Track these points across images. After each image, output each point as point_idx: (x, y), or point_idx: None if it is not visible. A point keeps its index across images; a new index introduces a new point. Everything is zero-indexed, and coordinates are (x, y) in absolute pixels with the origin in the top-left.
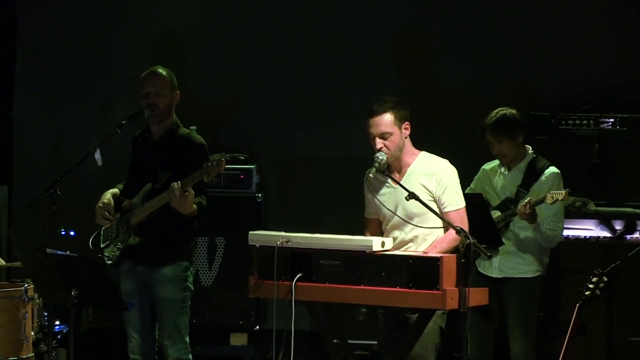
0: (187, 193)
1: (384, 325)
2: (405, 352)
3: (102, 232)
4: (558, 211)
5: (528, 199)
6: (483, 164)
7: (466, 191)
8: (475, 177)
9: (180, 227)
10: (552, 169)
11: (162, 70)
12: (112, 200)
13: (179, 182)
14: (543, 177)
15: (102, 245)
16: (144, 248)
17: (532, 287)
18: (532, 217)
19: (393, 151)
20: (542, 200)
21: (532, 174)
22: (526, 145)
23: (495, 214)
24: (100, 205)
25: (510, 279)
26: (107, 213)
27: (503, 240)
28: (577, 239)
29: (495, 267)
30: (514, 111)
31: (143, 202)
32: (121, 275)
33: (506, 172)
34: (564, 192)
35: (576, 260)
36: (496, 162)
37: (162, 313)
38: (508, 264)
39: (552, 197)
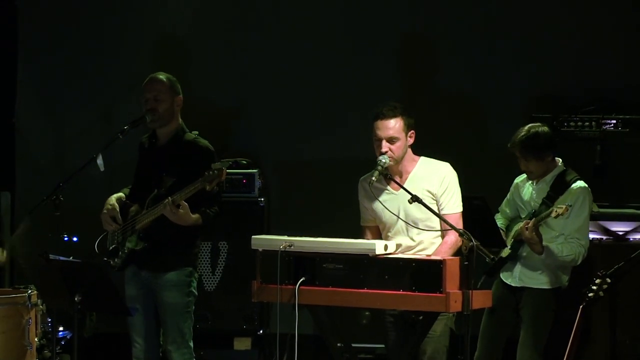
0: (179, 207)
1: (393, 329)
2: (411, 352)
3: (108, 236)
4: (582, 225)
5: (525, 221)
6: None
7: (502, 204)
8: (510, 190)
9: (184, 233)
10: (580, 183)
11: (161, 76)
12: (116, 205)
13: (170, 197)
14: (569, 192)
15: (109, 249)
16: (149, 253)
17: (548, 299)
18: (536, 240)
19: (397, 156)
20: (548, 215)
21: (559, 187)
22: (557, 158)
23: (520, 225)
24: (105, 211)
25: (528, 289)
26: (112, 218)
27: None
28: None
29: (515, 276)
30: (546, 129)
31: (148, 207)
32: (125, 280)
33: (534, 184)
34: (564, 207)
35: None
36: None
37: (166, 318)
38: (528, 273)
39: (556, 211)
